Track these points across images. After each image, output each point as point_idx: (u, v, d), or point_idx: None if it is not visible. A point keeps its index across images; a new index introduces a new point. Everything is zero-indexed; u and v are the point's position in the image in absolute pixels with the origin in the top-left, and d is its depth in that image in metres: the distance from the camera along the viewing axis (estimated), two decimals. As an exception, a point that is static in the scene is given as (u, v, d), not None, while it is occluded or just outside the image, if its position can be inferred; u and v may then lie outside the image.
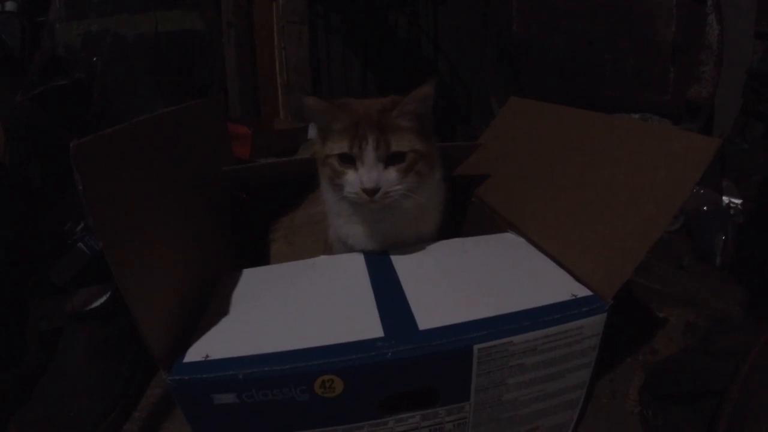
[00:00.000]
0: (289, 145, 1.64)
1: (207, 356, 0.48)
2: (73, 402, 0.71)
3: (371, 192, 0.58)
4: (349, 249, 0.69)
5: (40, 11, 1.37)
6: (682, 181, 0.55)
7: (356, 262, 0.65)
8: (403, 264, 0.64)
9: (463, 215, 0.88)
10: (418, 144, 0.61)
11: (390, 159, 0.59)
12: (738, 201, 1.12)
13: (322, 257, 0.68)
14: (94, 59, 1.38)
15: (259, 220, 0.84)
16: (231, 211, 0.81)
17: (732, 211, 1.10)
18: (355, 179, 0.59)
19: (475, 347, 0.48)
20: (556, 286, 0.56)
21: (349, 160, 0.59)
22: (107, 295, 0.81)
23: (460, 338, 0.48)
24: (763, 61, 1.21)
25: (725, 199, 1.12)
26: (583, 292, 0.54)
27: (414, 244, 0.68)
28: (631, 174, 0.60)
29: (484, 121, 0.97)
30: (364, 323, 0.51)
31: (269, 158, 1.41)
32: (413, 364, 0.48)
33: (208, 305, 0.58)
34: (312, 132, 1.76)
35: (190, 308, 0.55)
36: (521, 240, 0.69)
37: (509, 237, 0.71)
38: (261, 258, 0.80)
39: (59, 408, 0.70)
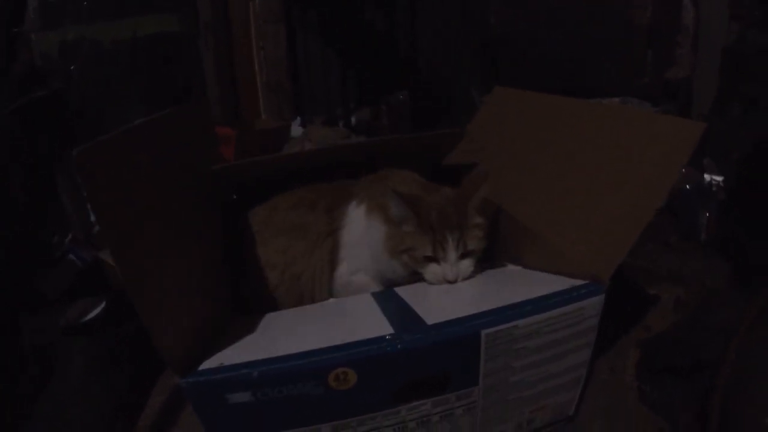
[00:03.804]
0: (272, 144, 1.65)
1: (222, 364, 0.49)
2: (75, 417, 0.71)
3: (452, 282, 0.65)
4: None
5: (15, 22, 1.34)
6: (670, 165, 0.57)
7: (364, 296, 0.68)
8: (407, 291, 0.66)
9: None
10: (484, 240, 0.68)
11: (465, 254, 0.66)
12: (719, 178, 1.14)
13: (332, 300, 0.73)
14: (72, 68, 1.36)
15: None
16: (222, 213, 0.81)
17: (714, 188, 1.13)
18: (438, 271, 0.65)
19: (483, 332, 0.50)
20: (555, 282, 0.58)
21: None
22: (101, 307, 0.81)
23: (468, 326, 0.50)
24: (739, 42, 1.23)
25: (707, 176, 1.14)
26: (581, 283, 0.56)
27: None
28: (619, 160, 0.62)
29: (465, 113, 0.97)
30: (374, 326, 0.53)
31: (253, 158, 1.41)
32: (423, 353, 0.49)
33: (224, 333, 0.58)
34: (296, 130, 1.77)
35: (201, 312, 0.56)
36: (520, 268, 0.70)
37: (510, 268, 0.72)
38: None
39: (61, 424, 0.70)
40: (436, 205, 0.67)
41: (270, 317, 0.64)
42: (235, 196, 0.89)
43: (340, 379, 0.47)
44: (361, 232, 0.72)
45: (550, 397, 0.60)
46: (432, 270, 0.65)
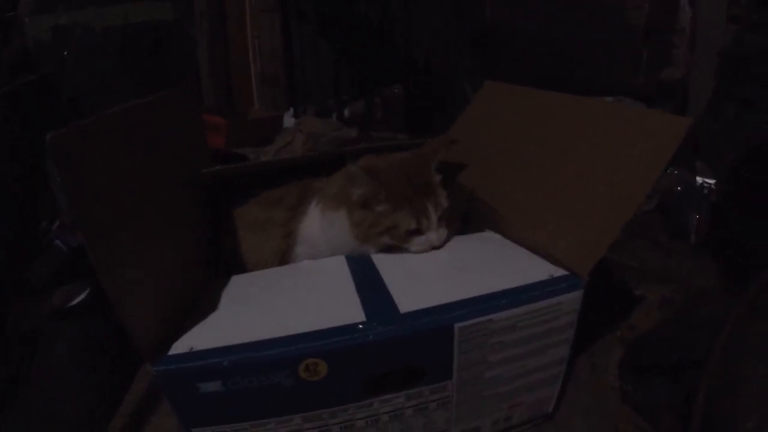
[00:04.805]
0: (265, 134, 1.64)
1: (192, 348, 0.48)
2: (59, 402, 0.70)
3: (439, 247, 0.65)
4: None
5: (9, 7, 1.34)
6: (656, 160, 0.56)
7: (337, 261, 0.66)
8: (382, 258, 0.65)
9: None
10: (449, 197, 0.68)
11: (441, 215, 0.66)
12: (711, 181, 1.14)
13: (306, 261, 0.70)
14: (65, 53, 1.36)
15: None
16: (209, 207, 0.80)
17: (705, 191, 1.12)
18: (424, 240, 0.64)
19: (456, 326, 0.49)
20: (534, 268, 0.57)
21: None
22: (86, 292, 0.80)
23: (441, 318, 0.49)
24: (736, 44, 1.23)
25: (699, 179, 1.14)
26: (560, 273, 0.56)
27: None
28: (605, 154, 0.61)
29: (459, 107, 0.97)
30: (346, 309, 0.52)
31: (244, 148, 1.41)
32: (395, 345, 0.49)
33: (195, 306, 0.57)
34: (288, 121, 1.76)
35: (174, 300, 0.55)
36: (498, 236, 0.70)
37: (487, 234, 0.72)
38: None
39: (46, 409, 0.70)
40: (400, 172, 0.66)
41: (240, 281, 0.64)
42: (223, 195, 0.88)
43: (310, 370, 0.47)
44: (321, 229, 0.71)
45: (528, 393, 0.59)
46: (417, 241, 0.64)
